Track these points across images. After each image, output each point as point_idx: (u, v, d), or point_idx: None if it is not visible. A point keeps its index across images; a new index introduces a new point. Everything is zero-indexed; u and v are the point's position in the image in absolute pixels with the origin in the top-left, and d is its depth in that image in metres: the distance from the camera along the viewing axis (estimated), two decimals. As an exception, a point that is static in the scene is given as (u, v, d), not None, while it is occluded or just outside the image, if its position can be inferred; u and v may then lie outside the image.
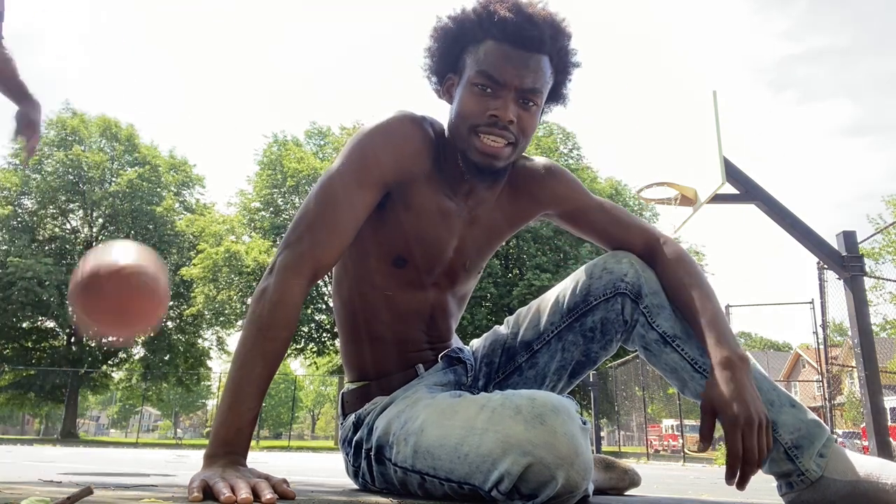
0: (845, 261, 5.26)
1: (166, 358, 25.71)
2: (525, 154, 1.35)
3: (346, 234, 1.15)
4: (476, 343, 1.46)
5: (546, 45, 1.16)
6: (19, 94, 2.06)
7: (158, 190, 26.07)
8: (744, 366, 1.07)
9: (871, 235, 8.14)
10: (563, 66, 1.23)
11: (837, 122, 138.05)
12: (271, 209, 23.50)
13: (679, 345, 1.20)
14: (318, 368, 26.59)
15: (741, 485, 1.03)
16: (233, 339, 26.24)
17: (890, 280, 13.60)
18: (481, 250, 1.33)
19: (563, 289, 1.33)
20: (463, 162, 1.21)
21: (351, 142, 1.20)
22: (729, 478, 1.03)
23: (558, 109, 1.31)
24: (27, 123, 2.04)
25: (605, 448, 18.74)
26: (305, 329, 22.38)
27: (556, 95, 1.27)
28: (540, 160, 1.36)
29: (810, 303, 8.67)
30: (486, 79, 1.14)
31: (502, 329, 1.42)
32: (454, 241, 1.28)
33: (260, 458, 6.80)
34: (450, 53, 1.23)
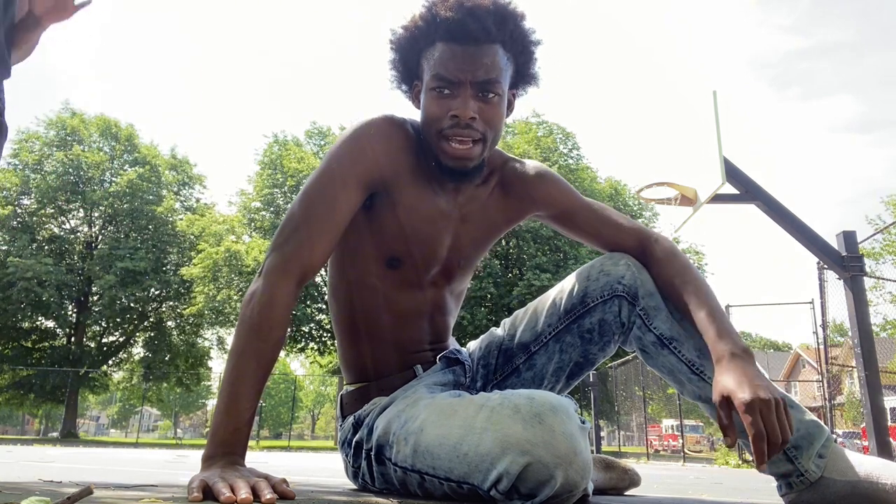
0: (845, 261, 5.26)
1: (166, 358, 25.71)
2: (517, 157, 1.37)
3: (333, 235, 1.16)
4: (472, 345, 1.46)
5: (492, 34, 1.16)
6: None
7: (158, 190, 26.06)
8: (748, 357, 1.07)
9: (871, 235, 8.14)
10: (519, 48, 1.22)
11: (842, 118, 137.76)
12: (271, 209, 23.49)
13: (676, 347, 1.21)
14: (321, 367, 26.57)
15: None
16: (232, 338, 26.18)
17: (890, 280, 13.62)
18: (475, 248, 1.34)
19: (560, 291, 1.34)
20: (437, 167, 1.21)
21: (334, 145, 1.22)
22: (760, 463, 1.00)
23: (532, 90, 1.31)
24: None
25: (605, 448, 18.74)
26: (306, 329, 22.36)
27: (524, 77, 1.27)
28: (531, 163, 1.38)
29: (810, 303, 8.67)
30: (441, 80, 1.16)
31: (498, 331, 1.43)
32: (448, 240, 1.28)
33: (260, 458, 6.80)
34: (410, 62, 1.24)
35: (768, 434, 0.98)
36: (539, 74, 1.29)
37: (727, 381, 1.04)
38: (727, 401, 1.03)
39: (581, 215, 1.35)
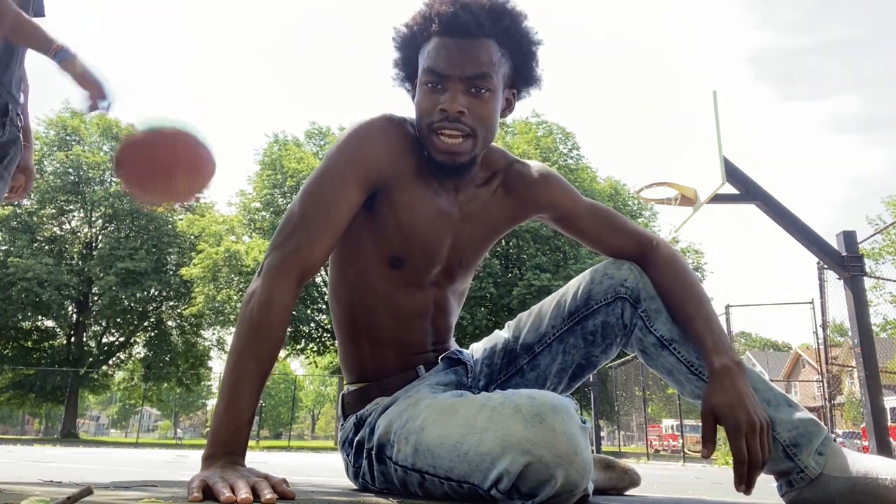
0: (845, 261, 5.26)
1: (166, 358, 25.70)
2: (521, 159, 1.38)
3: (333, 234, 1.16)
4: (476, 346, 1.46)
5: (485, 28, 1.15)
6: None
7: (159, 190, 26.02)
8: (741, 372, 1.10)
9: (871, 235, 8.14)
10: (515, 46, 1.20)
11: (843, 118, 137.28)
12: (271, 209, 23.48)
13: (675, 348, 1.22)
14: (318, 367, 26.57)
15: (749, 489, 1.06)
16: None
17: (890, 280, 13.63)
18: (476, 247, 1.34)
19: (564, 293, 1.35)
20: (430, 162, 1.22)
21: (333, 145, 1.22)
22: (738, 484, 1.06)
23: (535, 92, 1.30)
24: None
25: (605, 448, 18.74)
26: (305, 329, 22.36)
27: (524, 77, 1.26)
28: (536, 165, 1.38)
29: (810, 303, 8.66)
30: (431, 75, 1.16)
31: (503, 333, 1.43)
32: (448, 239, 1.28)
33: (260, 458, 6.80)
34: (410, 59, 1.25)
35: (750, 457, 1.04)
36: (541, 76, 1.28)
37: (718, 398, 1.08)
38: (713, 417, 1.08)
39: (583, 218, 1.35)
